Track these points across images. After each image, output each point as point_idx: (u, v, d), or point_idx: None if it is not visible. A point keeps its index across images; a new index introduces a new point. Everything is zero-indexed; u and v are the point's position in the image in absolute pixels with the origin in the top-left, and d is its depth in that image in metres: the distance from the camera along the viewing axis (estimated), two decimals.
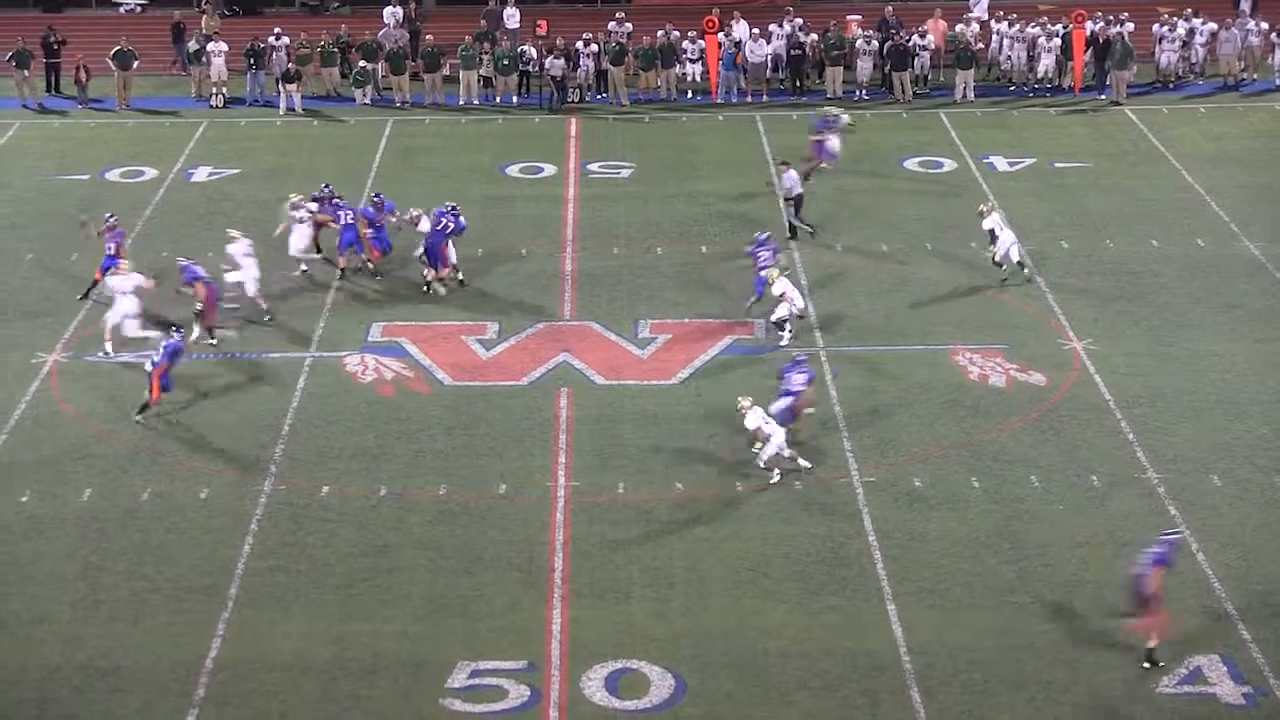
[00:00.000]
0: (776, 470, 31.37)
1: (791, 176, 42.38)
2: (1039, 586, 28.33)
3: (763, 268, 37.94)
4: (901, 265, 40.82)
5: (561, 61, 53.64)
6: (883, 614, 27.62)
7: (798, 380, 32.78)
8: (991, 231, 39.94)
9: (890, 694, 25.76)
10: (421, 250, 39.60)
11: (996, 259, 39.72)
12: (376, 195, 40.99)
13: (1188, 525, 29.86)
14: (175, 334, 33.70)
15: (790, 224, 42.55)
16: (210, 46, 54.62)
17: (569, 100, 53.76)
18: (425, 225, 39.68)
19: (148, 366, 33.03)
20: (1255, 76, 55.44)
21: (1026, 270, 39.91)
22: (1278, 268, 40.38)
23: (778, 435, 31.27)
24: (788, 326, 36.58)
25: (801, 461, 31.50)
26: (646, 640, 26.99)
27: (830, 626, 27.36)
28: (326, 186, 41.23)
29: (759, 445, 31.44)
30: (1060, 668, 26.30)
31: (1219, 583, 28.30)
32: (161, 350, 33.20)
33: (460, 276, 39.68)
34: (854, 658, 26.56)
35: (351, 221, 39.84)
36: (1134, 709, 25.38)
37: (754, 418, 31.33)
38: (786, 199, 42.67)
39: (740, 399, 31.71)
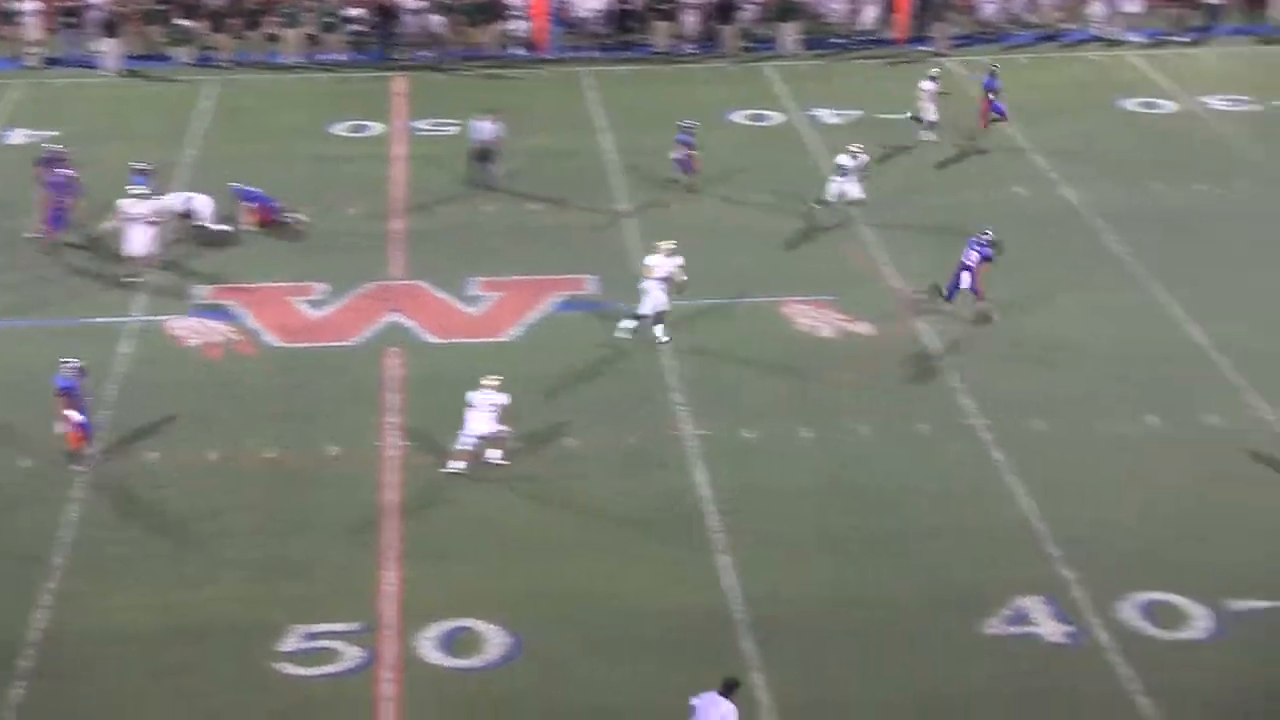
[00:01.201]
0: (460, 462, 30.46)
1: (488, 128, 42.52)
2: (871, 535, 28.62)
3: (676, 157, 42.04)
4: (729, 218, 40.96)
5: (438, 19, 53.36)
6: (720, 567, 27.75)
7: (972, 256, 35.04)
8: (841, 168, 40.36)
9: (727, 646, 25.87)
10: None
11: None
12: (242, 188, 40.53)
13: (1014, 470, 30.30)
14: (66, 367, 30.54)
15: (484, 181, 42.86)
16: (23, 5, 53.58)
17: (444, 59, 53.42)
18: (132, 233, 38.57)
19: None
20: (1077, 26, 56.11)
21: (819, 208, 40.63)
22: (1097, 217, 40.96)
23: (480, 424, 30.35)
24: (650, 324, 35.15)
25: (454, 464, 30.46)
26: (482, 599, 26.93)
27: (667, 581, 27.45)
28: (51, 150, 40.56)
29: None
30: (892, 614, 26.59)
31: (1043, 525, 28.74)
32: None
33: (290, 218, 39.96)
34: (691, 611, 26.69)
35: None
36: (961, 651, 25.74)
37: (481, 396, 30.34)
38: (480, 151, 42.78)
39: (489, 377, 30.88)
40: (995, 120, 45.77)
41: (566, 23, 54.71)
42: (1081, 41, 55.37)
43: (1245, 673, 25.33)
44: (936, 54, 53.61)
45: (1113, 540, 28.40)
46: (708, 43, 54.74)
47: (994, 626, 26.26)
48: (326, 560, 27.96)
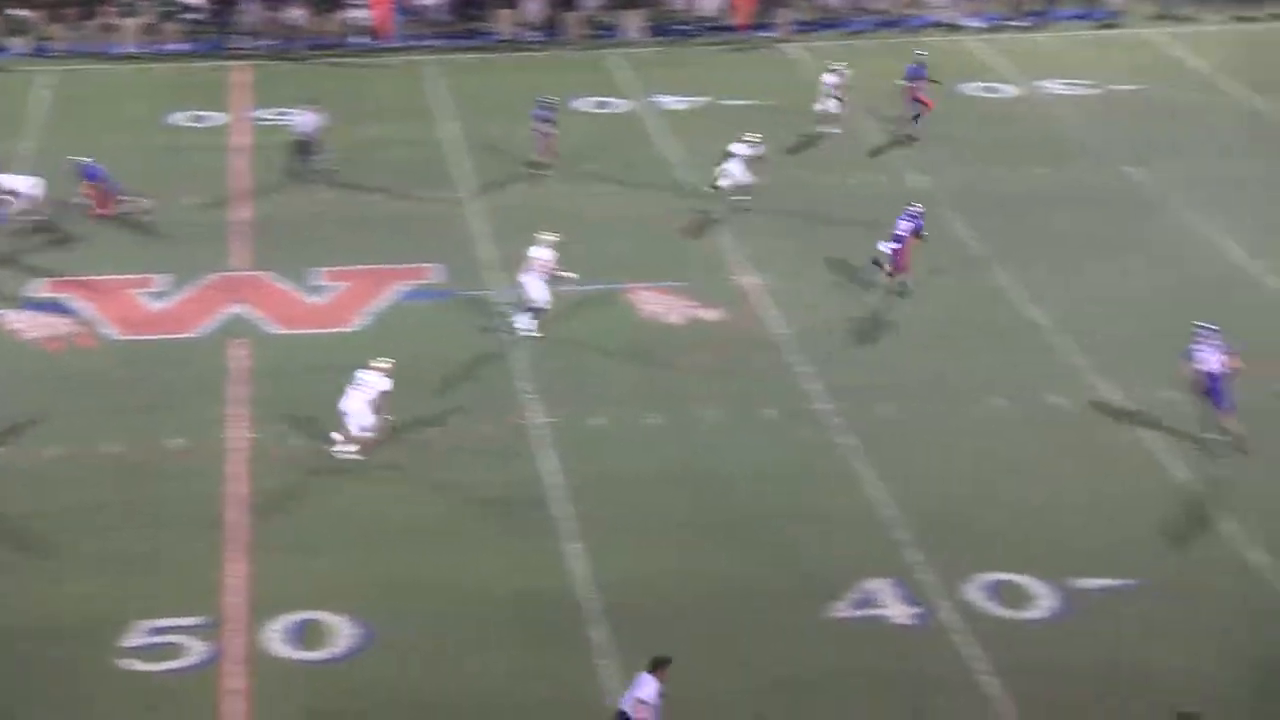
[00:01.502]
0: (349, 446, 30.45)
1: (309, 120, 42.36)
2: (721, 521, 28.70)
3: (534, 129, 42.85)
4: (575, 205, 40.90)
5: (292, 11, 52.91)
6: (572, 554, 27.70)
7: (904, 226, 35.64)
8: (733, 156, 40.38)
9: (581, 631, 25.88)
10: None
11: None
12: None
13: (862, 454, 30.47)
14: None
15: (313, 169, 42.60)
16: None
17: (286, 48, 52.86)
18: None
19: None
20: (918, 12, 56.43)
21: (716, 193, 40.47)
22: (942, 201, 41.14)
23: (356, 404, 30.22)
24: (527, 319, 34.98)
25: (342, 447, 30.51)
26: (333, 591, 26.71)
27: (521, 569, 27.38)
28: None
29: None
30: (742, 599, 26.66)
31: (891, 508, 28.93)
32: None
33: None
34: (543, 599, 26.65)
35: None
36: (811, 635, 25.84)
37: (374, 377, 30.37)
38: (299, 143, 42.67)
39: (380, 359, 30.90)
40: (916, 115, 45.64)
41: (409, 10, 54.39)
42: (922, 27, 55.74)
43: (1089, 650, 25.62)
44: (780, 40, 53.85)
45: (960, 522, 28.64)
46: (551, 30, 54.62)
47: (842, 610, 26.39)
48: (172, 554, 27.61)
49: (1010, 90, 49.83)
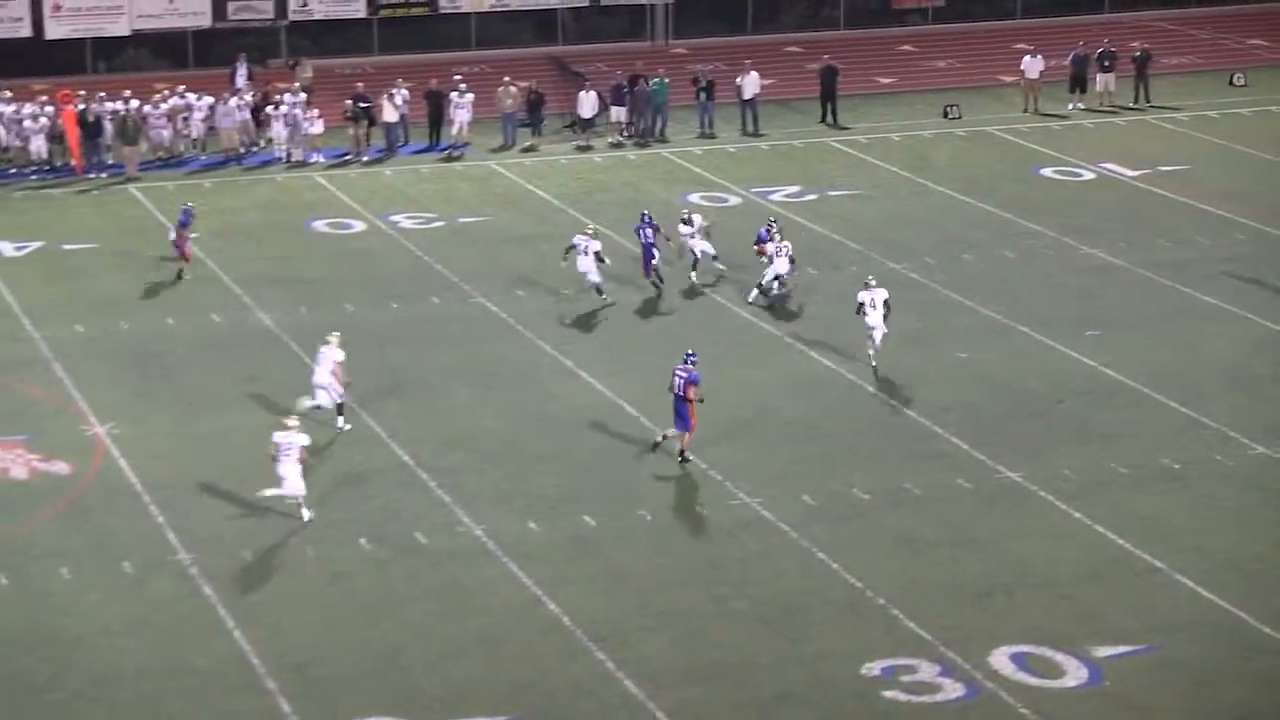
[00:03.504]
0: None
1: None
2: (81, 682, 27.41)
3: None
4: None
5: None
6: None
7: (647, 233, 42.83)
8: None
9: None
10: None
11: None
12: None
13: (225, 603, 29.56)
14: None
15: None
16: None
17: None
18: None
19: None
20: (256, 149, 55.94)
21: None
22: (292, 338, 40.63)
23: (292, 474, 31.94)
24: None
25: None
26: None
27: None
28: None
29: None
30: None
31: (257, 659, 28.05)
32: None
33: None
34: None
35: None
36: None
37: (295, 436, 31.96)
38: None
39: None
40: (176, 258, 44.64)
41: None
42: (266, 164, 55.25)
43: None
44: (127, 180, 52.63)
45: (328, 667, 27.94)
46: None
47: None
48: None
49: (359, 225, 49.69)
